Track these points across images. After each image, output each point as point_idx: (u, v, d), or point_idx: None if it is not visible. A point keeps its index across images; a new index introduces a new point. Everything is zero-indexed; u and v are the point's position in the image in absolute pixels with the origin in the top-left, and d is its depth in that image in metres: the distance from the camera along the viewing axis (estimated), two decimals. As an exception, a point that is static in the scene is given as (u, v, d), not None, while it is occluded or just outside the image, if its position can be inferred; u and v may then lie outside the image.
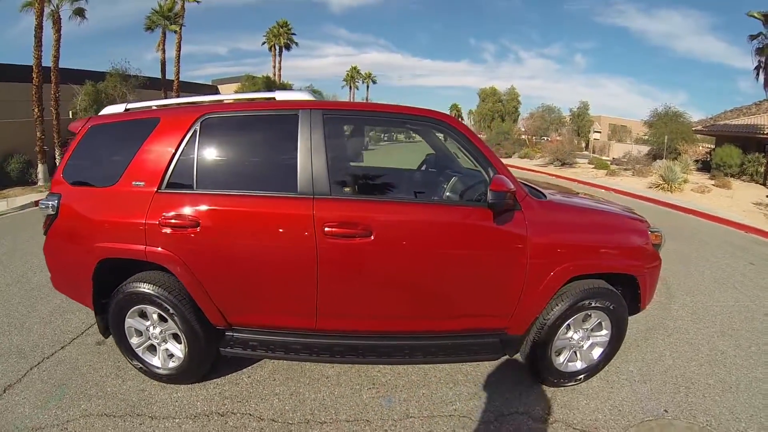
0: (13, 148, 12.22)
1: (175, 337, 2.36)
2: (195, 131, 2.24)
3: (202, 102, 2.46)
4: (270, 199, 2.17)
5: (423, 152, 3.37)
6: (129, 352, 2.43)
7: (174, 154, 2.22)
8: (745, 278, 4.80)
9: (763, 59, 15.01)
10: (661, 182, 11.92)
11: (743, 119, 18.99)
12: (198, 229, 2.14)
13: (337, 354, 2.25)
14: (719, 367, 2.85)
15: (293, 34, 33.29)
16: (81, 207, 2.33)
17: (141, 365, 2.44)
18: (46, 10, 11.95)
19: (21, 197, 9.80)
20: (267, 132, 2.36)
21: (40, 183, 11.69)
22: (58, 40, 12.50)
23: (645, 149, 19.77)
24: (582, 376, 2.52)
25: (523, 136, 29.28)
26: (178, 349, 2.38)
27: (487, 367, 2.71)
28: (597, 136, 34.33)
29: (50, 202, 2.34)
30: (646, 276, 2.48)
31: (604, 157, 21.77)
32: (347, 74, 49.61)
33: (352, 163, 3.00)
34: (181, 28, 19.67)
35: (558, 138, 23.77)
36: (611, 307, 2.37)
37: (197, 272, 2.18)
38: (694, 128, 19.81)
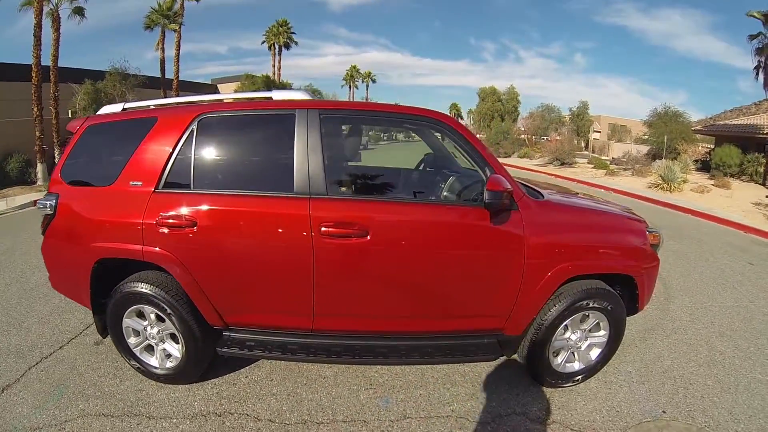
0: (12, 147, 12.22)
1: (173, 337, 2.36)
2: (192, 131, 2.24)
3: (198, 101, 2.46)
4: (267, 198, 2.16)
5: (422, 152, 3.37)
6: (127, 352, 2.43)
7: (171, 154, 2.22)
8: (744, 278, 4.80)
9: (762, 59, 15.03)
10: (661, 182, 11.93)
11: (743, 119, 18.98)
12: (195, 228, 2.14)
13: (334, 354, 2.25)
14: (718, 368, 2.85)
15: (293, 33, 33.33)
16: (79, 207, 2.33)
17: (139, 365, 2.44)
18: (45, 9, 11.95)
19: (20, 197, 9.80)
20: (264, 131, 2.36)
21: (39, 182, 11.69)
22: (57, 39, 12.49)
23: (644, 149, 19.78)
24: (580, 376, 2.52)
25: (523, 136, 29.28)
26: (175, 349, 2.37)
27: (485, 367, 2.71)
28: (597, 135, 34.34)
29: (48, 202, 2.34)
30: (644, 276, 2.48)
31: (603, 157, 21.79)
32: (347, 73, 49.64)
33: (349, 163, 2.99)
34: (180, 27, 19.65)
35: (557, 138, 23.74)
36: (609, 307, 2.37)
37: (194, 272, 2.18)
38: (693, 128, 19.82)
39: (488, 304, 2.31)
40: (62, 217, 2.34)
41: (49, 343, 2.92)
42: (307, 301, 2.21)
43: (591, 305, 2.33)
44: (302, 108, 2.24)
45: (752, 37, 15.39)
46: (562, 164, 18.69)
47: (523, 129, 31.01)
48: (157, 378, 2.43)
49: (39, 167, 11.97)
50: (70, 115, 12.75)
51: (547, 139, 27.44)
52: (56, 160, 11.86)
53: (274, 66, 33.07)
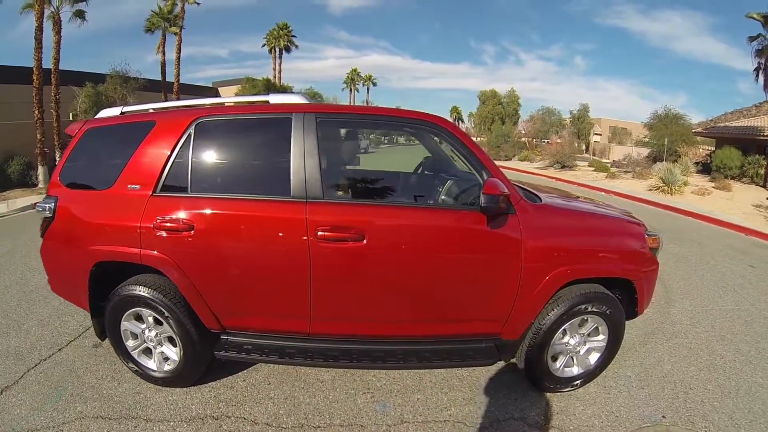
0: (13, 149, 12.27)
1: (171, 340, 2.36)
2: (189, 134, 2.24)
3: (197, 105, 2.46)
4: (263, 202, 2.17)
5: (423, 155, 3.36)
6: (125, 354, 2.43)
7: (169, 158, 2.22)
8: (745, 281, 4.78)
9: (762, 61, 15.00)
10: (661, 185, 11.93)
11: (743, 121, 18.96)
12: (192, 232, 2.14)
13: (331, 358, 2.24)
14: (718, 372, 2.83)
15: (293, 36, 33.43)
16: (77, 210, 2.33)
17: (137, 368, 2.44)
18: (46, 12, 12.01)
19: (21, 199, 9.84)
20: (261, 135, 2.36)
21: (40, 185, 11.72)
22: (58, 42, 12.56)
23: (645, 151, 19.78)
24: (579, 381, 2.51)
25: (523, 139, 29.30)
26: (173, 352, 2.37)
27: (483, 372, 2.69)
28: (597, 138, 34.31)
29: (47, 205, 2.35)
30: (643, 280, 2.47)
31: (604, 160, 21.80)
32: (347, 76, 49.70)
33: (346, 167, 2.99)
34: (181, 30, 19.76)
35: (558, 140, 23.74)
36: (608, 311, 2.36)
37: (191, 275, 2.18)
38: (694, 130, 19.81)
39: (485, 308, 2.31)
40: (61, 220, 2.35)
41: (48, 345, 2.92)
42: (304, 304, 2.20)
43: (589, 309, 2.32)
44: (299, 112, 2.24)
45: (752, 39, 15.37)
46: (563, 167, 18.69)
47: (523, 132, 31.03)
48: (154, 381, 2.43)
49: (40, 170, 12.00)
50: (71, 118, 12.79)
51: (547, 142, 27.42)
52: (57, 162, 11.89)
53: (274, 69, 33.18)
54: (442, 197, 2.62)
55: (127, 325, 2.36)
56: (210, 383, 2.49)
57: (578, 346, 2.45)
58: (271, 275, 2.20)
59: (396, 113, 2.48)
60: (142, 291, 2.23)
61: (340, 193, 2.41)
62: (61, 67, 12.80)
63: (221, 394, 2.41)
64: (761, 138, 15.50)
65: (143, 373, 2.43)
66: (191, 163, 2.22)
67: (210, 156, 2.30)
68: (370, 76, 51.52)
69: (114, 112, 2.50)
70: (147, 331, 2.36)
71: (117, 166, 2.29)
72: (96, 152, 2.44)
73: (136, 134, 2.31)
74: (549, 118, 30.00)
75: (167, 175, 2.22)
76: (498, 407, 2.37)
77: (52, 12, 12.32)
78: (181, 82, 20.49)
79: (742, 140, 16.32)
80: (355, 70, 49.97)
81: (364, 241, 2.10)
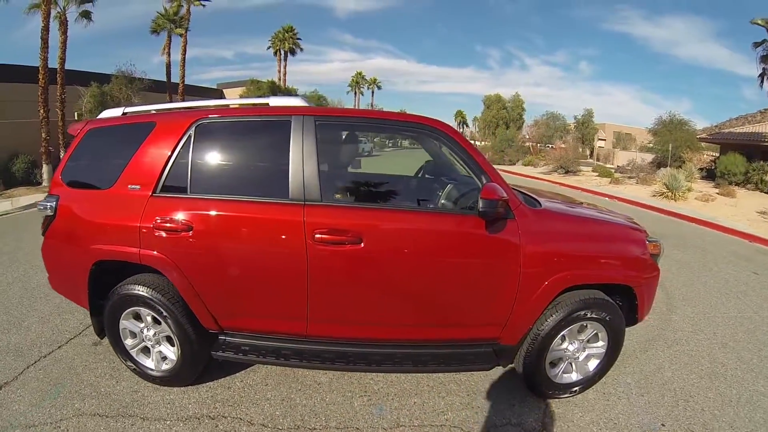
0: (18, 148, 12.39)
1: (169, 339, 2.36)
2: (189, 136, 2.25)
3: (197, 107, 2.47)
4: (262, 204, 2.17)
5: (426, 159, 3.35)
6: (123, 353, 2.44)
7: (169, 159, 2.24)
8: (749, 288, 4.74)
9: (767, 66, 14.95)
10: (665, 190, 11.88)
11: (748, 127, 18.89)
12: (191, 233, 2.15)
13: (327, 361, 2.24)
14: (720, 380, 2.80)
15: (299, 39, 33.66)
16: (78, 209, 2.35)
17: (135, 366, 2.44)
18: (53, 12, 12.14)
19: (25, 197, 9.92)
20: (260, 138, 2.37)
21: (44, 183, 11.82)
22: (64, 42, 12.70)
23: (649, 157, 19.73)
24: (577, 388, 2.49)
25: (528, 144, 29.28)
26: (171, 352, 2.38)
27: (481, 377, 2.68)
28: (601, 143, 34.28)
29: (48, 204, 2.37)
30: (643, 287, 2.45)
31: (608, 165, 21.74)
32: (352, 80, 49.87)
33: (346, 170, 2.99)
34: (186, 32, 19.93)
35: (562, 145, 23.71)
36: (607, 318, 2.34)
37: (189, 276, 2.19)
38: (698, 136, 19.76)
39: (483, 312, 2.29)
40: (62, 219, 2.36)
41: (48, 342, 2.94)
42: (301, 306, 2.20)
43: (589, 315, 2.31)
44: (298, 114, 2.25)
45: (757, 45, 15.35)
46: (567, 172, 18.66)
47: (527, 137, 31.04)
48: (152, 379, 2.44)
49: (44, 168, 12.11)
50: (76, 118, 12.93)
51: (551, 147, 27.40)
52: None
53: (279, 71, 33.40)
54: (443, 201, 2.61)
55: (125, 323, 2.37)
56: (207, 383, 2.49)
57: (577, 352, 2.43)
58: (268, 277, 2.21)
59: (395, 117, 2.49)
60: (141, 290, 2.24)
61: (339, 196, 2.41)
62: (66, 67, 12.94)
63: (218, 395, 2.41)
64: (766, 144, 15.43)
65: (141, 372, 2.44)
66: (191, 164, 2.23)
67: (210, 157, 2.31)
68: (375, 80, 51.70)
69: (116, 112, 2.52)
70: (145, 330, 2.37)
71: (118, 166, 2.30)
72: (97, 152, 2.46)
73: (137, 135, 2.33)
74: (553, 123, 29.99)
75: (167, 175, 2.23)
76: (495, 412, 2.35)
77: (58, 12, 12.46)
78: (186, 83, 20.65)
79: (746, 146, 16.25)
80: (359, 74, 50.16)
81: (362, 245, 2.10)
